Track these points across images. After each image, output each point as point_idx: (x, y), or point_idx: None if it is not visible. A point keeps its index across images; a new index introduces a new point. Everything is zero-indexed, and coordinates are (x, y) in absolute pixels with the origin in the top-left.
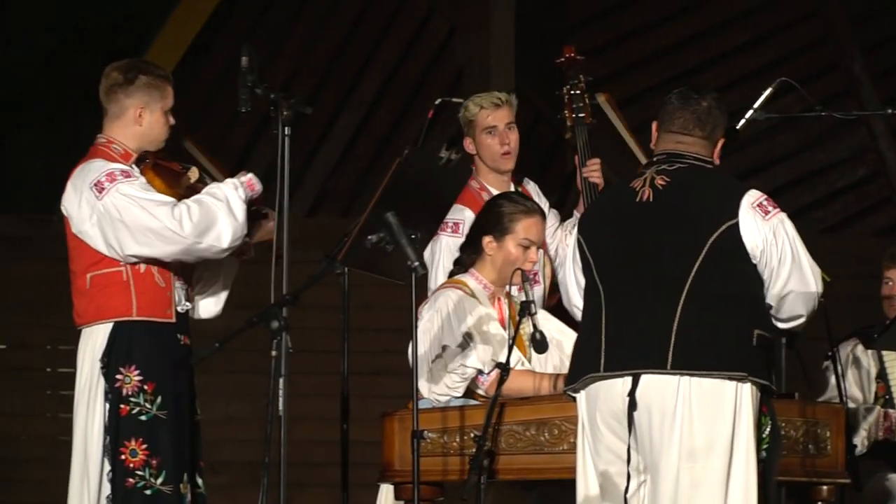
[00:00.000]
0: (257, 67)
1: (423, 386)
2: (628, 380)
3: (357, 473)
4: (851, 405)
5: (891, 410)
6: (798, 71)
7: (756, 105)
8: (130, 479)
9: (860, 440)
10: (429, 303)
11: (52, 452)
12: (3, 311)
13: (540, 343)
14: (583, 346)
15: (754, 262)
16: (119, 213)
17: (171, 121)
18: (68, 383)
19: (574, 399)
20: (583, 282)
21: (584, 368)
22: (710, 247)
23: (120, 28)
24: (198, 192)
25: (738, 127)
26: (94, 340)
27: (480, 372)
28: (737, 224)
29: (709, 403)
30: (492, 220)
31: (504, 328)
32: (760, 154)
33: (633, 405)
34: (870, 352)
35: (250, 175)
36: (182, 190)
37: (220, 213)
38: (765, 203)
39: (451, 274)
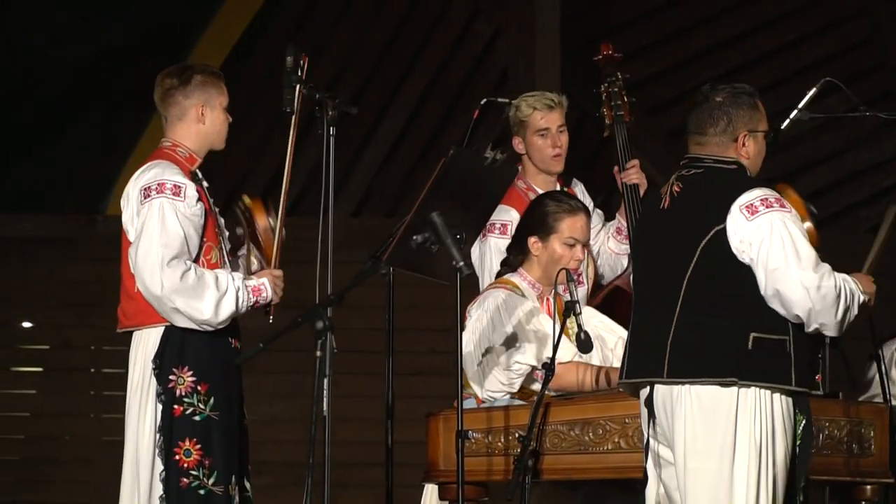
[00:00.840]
0: (303, 68)
1: (476, 387)
2: (647, 387)
3: (401, 474)
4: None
5: None
6: (842, 71)
7: (800, 105)
8: (185, 479)
9: None
10: (477, 302)
11: (96, 453)
12: (47, 312)
13: (584, 343)
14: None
15: (748, 263)
16: (144, 225)
17: (229, 118)
18: (112, 384)
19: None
20: None
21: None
22: (700, 253)
23: (164, 31)
24: None
25: (782, 127)
26: (145, 342)
27: (535, 368)
28: (724, 229)
29: (705, 410)
30: (536, 220)
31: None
32: (805, 154)
33: (651, 413)
34: None
35: (264, 281)
36: None
37: (212, 294)
38: (756, 203)
39: (499, 275)
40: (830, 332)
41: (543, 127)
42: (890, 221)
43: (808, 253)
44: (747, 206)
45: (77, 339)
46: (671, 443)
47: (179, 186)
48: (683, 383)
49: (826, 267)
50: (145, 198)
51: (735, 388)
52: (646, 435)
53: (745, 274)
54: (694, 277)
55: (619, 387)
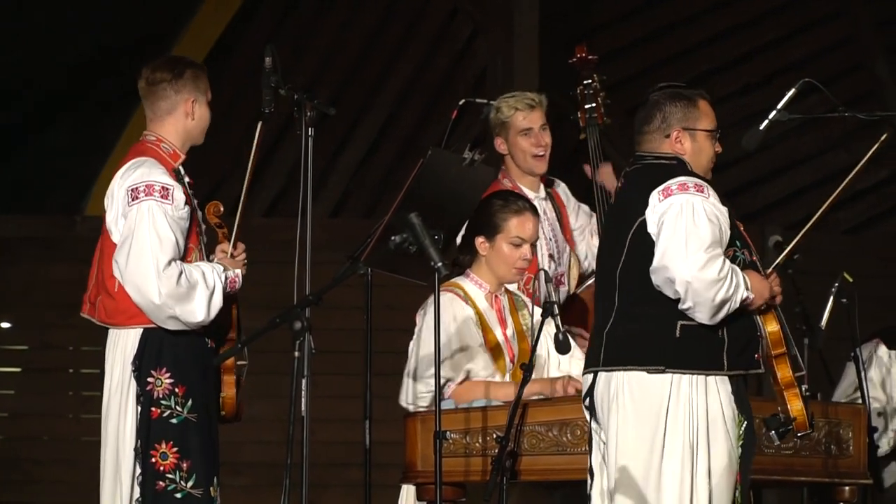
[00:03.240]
0: (280, 68)
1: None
2: (589, 377)
3: (379, 474)
4: (874, 405)
5: None
6: (822, 72)
7: (779, 106)
8: (161, 483)
9: (887, 440)
10: (423, 307)
11: (75, 453)
12: (28, 312)
13: (562, 343)
14: None
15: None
16: (134, 230)
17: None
18: (92, 384)
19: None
20: None
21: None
22: (629, 244)
23: (143, 33)
24: None
25: (761, 128)
26: (124, 342)
27: (522, 365)
28: (645, 219)
29: (636, 400)
30: (483, 220)
31: (503, 326)
32: (784, 155)
33: (591, 404)
34: (892, 352)
35: (238, 272)
36: None
37: (203, 294)
38: (673, 187)
39: (449, 276)
40: (702, 314)
41: (526, 127)
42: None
43: (705, 236)
44: (663, 190)
45: (56, 340)
46: (607, 433)
47: (167, 189)
48: (616, 371)
49: (719, 253)
50: (133, 199)
51: (667, 377)
52: (588, 429)
53: None
54: (624, 268)
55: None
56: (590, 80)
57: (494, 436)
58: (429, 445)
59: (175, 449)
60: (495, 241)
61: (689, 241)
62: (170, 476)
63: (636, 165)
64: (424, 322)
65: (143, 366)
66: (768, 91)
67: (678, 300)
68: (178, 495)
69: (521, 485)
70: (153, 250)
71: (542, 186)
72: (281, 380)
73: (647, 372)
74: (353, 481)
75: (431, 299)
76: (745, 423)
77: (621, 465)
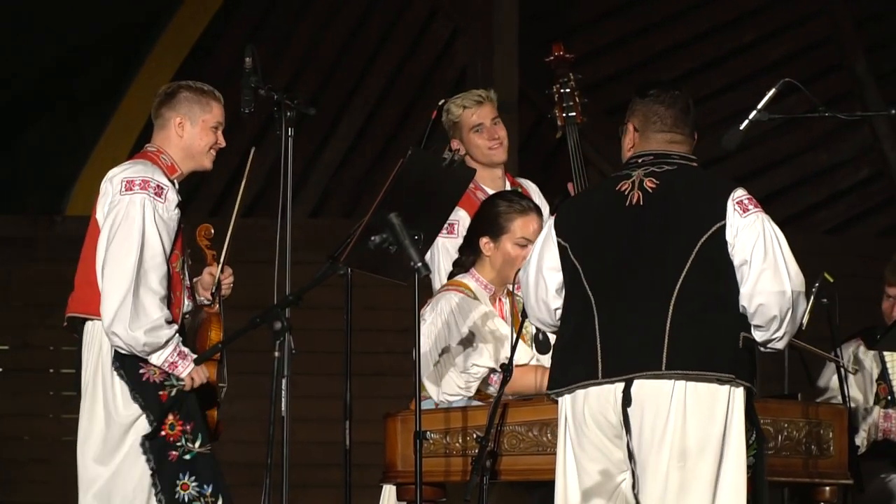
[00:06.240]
0: (260, 68)
1: (432, 389)
2: (621, 384)
3: (359, 474)
4: (852, 406)
5: (891, 410)
6: (802, 71)
7: (759, 106)
8: (173, 452)
9: (861, 440)
10: (430, 305)
11: (55, 453)
12: (7, 312)
13: (543, 343)
14: (570, 351)
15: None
16: (120, 219)
17: (222, 141)
18: (71, 384)
19: (556, 401)
20: (558, 283)
21: (575, 375)
22: (699, 249)
23: (123, 32)
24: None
25: (741, 128)
26: (102, 337)
27: (493, 371)
28: (724, 226)
29: (702, 406)
30: (487, 220)
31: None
32: (764, 155)
33: (628, 402)
34: (872, 353)
35: (190, 366)
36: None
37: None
38: (745, 201)
39: (451, 275)
40: (784, 342)
41: (476, 123)
42: None
43: (794, 261)
44: (738, 203)
45: (36, 340)
46: (648, 440)
47: (162, 188)
48: (680, 378)
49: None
50: (126, 190)
51: (728, 387)
52: (624, 435)
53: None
54: (691, 273)
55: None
56: (566, 79)
57: (474, 436)
58: (409, 446)
59: (179, 417)
60: (500, 241)
61: (786, 262)
62: (179, 444)
63: (667, 166)
64: (439, 319)
65: (126, 362)
66: (748, 91)
67: (740, 312)
68: (187, 457)
69: (500, 485)
70: (134, 245)
71: (507, 183)
72: (261, 380)
73: (719, 381)
74: (333, 481)
75: (438, 298)
76: (755, 432)
77: (678, 465)
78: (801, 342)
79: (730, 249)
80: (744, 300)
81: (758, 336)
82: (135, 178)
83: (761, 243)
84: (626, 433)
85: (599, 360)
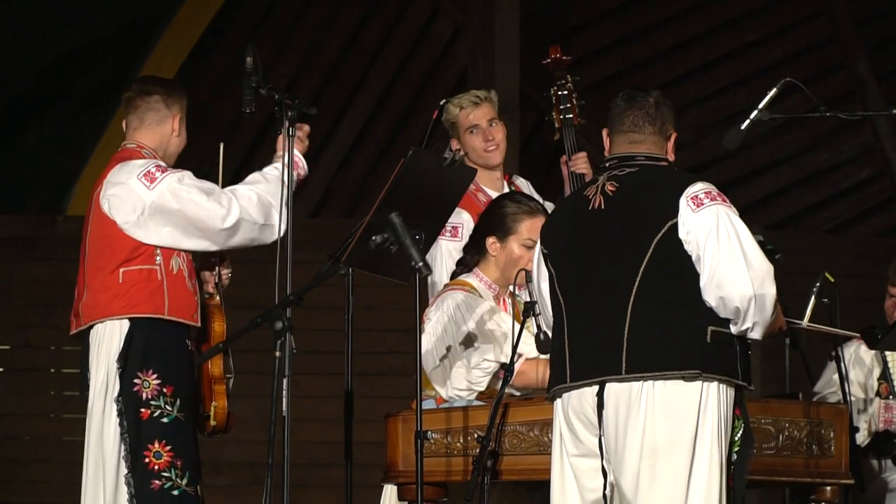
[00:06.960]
0: (261, 68)
1: (439, 387)
2: (595, 386)
3: (360, 474)
4: (853, 399)
5: (891, 401)
6: (803, 71)
7: (761, 105)
8: (157, 481)
9: (862, 432)
10: (435, 304)
11: (56, 453)
12: (8, 312)
13: (543, 343)
14: (553, 357)
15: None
16: (173, 202)
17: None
18: (73, 384)
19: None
20: (547, 292)
21: (554, 380)
22: (654, 248)
23: (124, 32)
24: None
25: (742, 127)
26: (109, 340)
27: (503, 365)
28: (676, 223)
29: (671, 404)
30: (495, 220)
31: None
32: (765, 154)
33: (601, 405)
34: (873, 352)
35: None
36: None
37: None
38: (700, 196)
39: (455, 275)
40: (758, 332)
41: (472, 123)
42: None
43: (756, 248)
44: (692, 198)
45: (37, 340)
46: (622, 438)
47: (176, 171)
48: (645, 379)
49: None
50: (151, 181)
51: (699, 383)
52: (585, 434)
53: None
54: (648, 273)
55: (554, 393)
56: (563, 81)
57: (475, 436)
58: (410, 445)
59: (168, 447)
60: (507, 242)
61: (746, 253)
62: (165, 474)
63: (629, 169)
64: (444, 317)
65: (128, 364)
66: (749, 91)
67: (704, 305)
68: (175, 492)
69: (501, 484)
70: (202, 202)
71: (505, 184)
72: (262, 379)
73: (684, 379)
74: (334, 481)
75: (443, 297)
76: (743, 426)
77: (648, 465)
78: (821, 326)
79: (685, 246)
80: (704, 294)
81: (732, 329)
82: (149, 168)
83: (714, 236)
84: (601, 433)
85: (568, 364)
